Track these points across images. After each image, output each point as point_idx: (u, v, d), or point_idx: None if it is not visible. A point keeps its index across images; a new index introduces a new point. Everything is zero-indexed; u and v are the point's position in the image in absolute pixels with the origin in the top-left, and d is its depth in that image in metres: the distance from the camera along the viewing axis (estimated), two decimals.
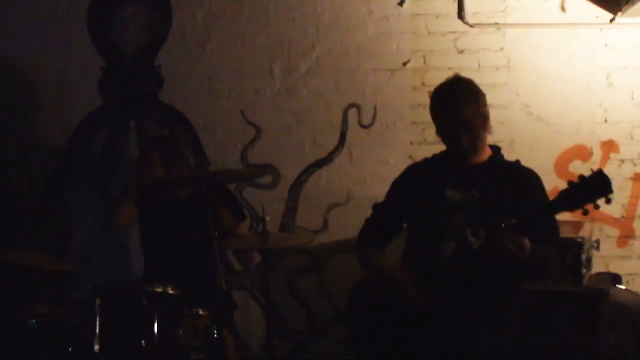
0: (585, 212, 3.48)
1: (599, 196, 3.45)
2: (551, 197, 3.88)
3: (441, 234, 3.83)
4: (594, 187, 3.46)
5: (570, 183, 3.51)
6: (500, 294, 3.80)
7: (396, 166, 5.40)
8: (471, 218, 3.80)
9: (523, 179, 3.93)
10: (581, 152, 5.47)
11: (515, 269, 3.71)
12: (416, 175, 4.11)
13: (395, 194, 4.15)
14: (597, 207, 3.48)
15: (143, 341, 4.02)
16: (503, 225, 3.57)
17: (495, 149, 4.03)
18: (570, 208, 3.54)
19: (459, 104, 3.85)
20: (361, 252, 4.17)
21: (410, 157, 5.50)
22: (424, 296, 3.72)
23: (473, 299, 3.70)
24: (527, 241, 3.58)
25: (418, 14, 5.59)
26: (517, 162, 4.03)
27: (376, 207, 4.23)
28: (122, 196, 5.09)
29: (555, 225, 3.88)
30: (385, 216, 4.15)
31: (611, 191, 3.46)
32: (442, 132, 3.96)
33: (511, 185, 3.86)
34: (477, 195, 3.84)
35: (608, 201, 3.46)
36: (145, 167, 4.92)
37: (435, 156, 4.14)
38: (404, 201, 4.05)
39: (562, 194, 3.53)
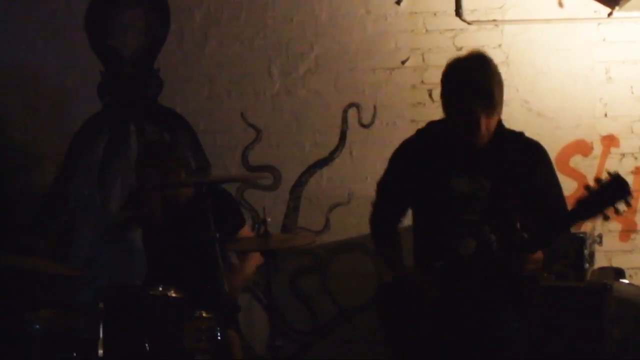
0: (606, 218, 3.36)
1: (619, 200, 3.31)
2: None
3: (456, 231, 3.65)
4: (613, 191, 3.32)
5: (587, 189, 3.35)
6: (522, 285, 3.72)
7: None
8: (486, 213, 3.61)
9: (530, 154, 3.68)
10: (582, 147, 5.47)
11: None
12: (415, 154, 3.79)
13: (396, 174, 3.86)
14: (617, 211, 3.33)
15: (147, 345, 4.02)
16: (516, 243, 3.45)
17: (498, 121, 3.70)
18: (592, 216, 3.39)
19: (486, 89, 3.49)
20: (378, 240, 3.98)
21: None
22: (445, 300, 3.60)
23: (498, 292, 3.64)
24: (540, 255, 3.48)
25: (416, 13, 5.59)
26: (522, 135, 3.76)
27: (380, 186, 3.97)
28: (120, 218, 5.07)
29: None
30: (391, 196, 3.89)
31: (630, 194, 3.32)
32: (457, 115, 3.57)
33: (519, 165, 3.63)
34: (487, 186, 3.62)
35: (628, 205, 3.32)
36: (141, 181, 4.90)
37: (430, 128, 3.82)
38: (407, 183, 3.77)
39: (582, 202, 3.37)
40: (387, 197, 3.95)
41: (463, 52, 5.35)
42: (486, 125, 3.54)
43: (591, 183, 3.41)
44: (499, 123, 3.68)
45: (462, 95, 3.53)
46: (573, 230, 4.64)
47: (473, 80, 3.51)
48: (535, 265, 3.49)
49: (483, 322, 3.59)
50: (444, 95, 3.64)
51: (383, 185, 3.97)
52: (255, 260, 4.86)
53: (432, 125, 3.83)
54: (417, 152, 3.80)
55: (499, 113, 3.60)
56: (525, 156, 3.67)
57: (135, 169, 5.02)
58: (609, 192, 3.34)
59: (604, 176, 3.38)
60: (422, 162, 3.74)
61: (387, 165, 3.91)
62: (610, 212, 3.36)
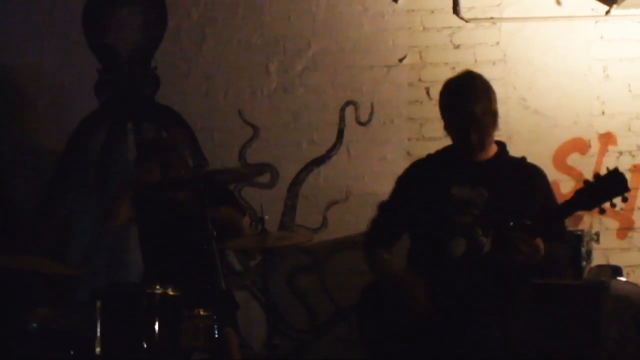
0: (602, 211, 3.44)
1: (615, 195, 3.40)
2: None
3: (449, 232, 3.78)
4: (610, 185, 3.39)
5: (586, 182, 3.45)
6: (509, 291, 3.76)
7: (394, 163, 5.43)
8: (481, 217, 3.75)
9: (530, 176, 3.89)
10: (579, 145, 5.46)
11: (526, 268, 3.65)
12: (421, 172, 4.05)
13: (401, 192, 4.08)
14: (613, 205, 3.42)
15: (144, 343, 4.02)
16: (514, 224, 3.52)
17: (501, 145, 3.98)
18: (588, 207, 3.50)
19: (470, 100, 3.79)
20: (368, 253, 4.12)
21: (408, 153, 5.51)
22: (432, 302, 3.67)
23: (482, 297, 3.66)
24: (540, 242, 3.54)
25: (413, 10, 5.59)
26: (523, 159, 3.98)
27: (382, 206, 4.15)
28: (118, 196, 5.07)
29: (564, 224, 3.84)
30: (392, 215, 4.07)
31: (628, 189, 3.40)
32: (450, 128, 3.90)
33: (518, 183, 3.82)
34: (485, 194, 3.79)
35: (625, 200, 3.41)
36: (141, 173, 4.91)
37: (439, 152, 4.07)
38: (410, 199, 3.98)
39: (579, 194, 3.47)
40: (387, 215, 4.08)
41: (460, 50, 5.45)
42: (476, 135, 3.80)
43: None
44: (504, 149, 3.94)
45: (449, 114, 3.89)
46: (570, 227, 4.70)
47: (457, 103, 3.84)
48: (535, 251, 3.52)
49: (462, 329, 3.61)
50: (444, 121, 3.95)
51: (386, 204, 4.12)
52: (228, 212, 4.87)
53: (441, 149, 4.05)
54: (423, 172, 4.00)
55: (493, 122, 3.85)
56: (524, 178, 3.85)
57: (135, 165, 5.03)
58: (607, 186, 3.41)
59: (603, 172, 3.44)
60: (426, 178, 3.95)
61: (393, 187, 4.10)
62: (606, 205, 3.41)
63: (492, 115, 3.84)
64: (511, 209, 3.66)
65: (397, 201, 4.08)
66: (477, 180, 3.82)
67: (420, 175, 4.02)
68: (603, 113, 5.49)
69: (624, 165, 5.45)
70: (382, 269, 4.00)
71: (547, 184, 3.94)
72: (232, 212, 4.92)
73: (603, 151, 5.46)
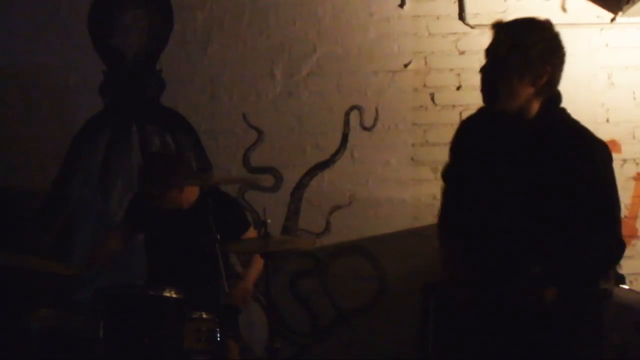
0: None
1: None
2: None
3: (489, 234, 3.39)
4: None
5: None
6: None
7: (398, 168, 5.43)
8: (517, 224, 3.33)
9: (581, 158, 3.29)
10: None
11: None
12: (472, 135, 3.52)
13: (457, 161, 3.59)
14: None
15: (146, 345, 4.02)
16: (524, 279, 3.26)
17: (548, 98, 3.41)
18: None
19: (503, 32, 3.32)
20: (442, 242, 3.65)
21: (412, 158, 5.51)
22: (471, 304, 3.44)
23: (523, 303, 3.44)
24: (551, 292, 3.31)
25: (419, 16, 5.60)
26: (580, 131, 3.37)
27: (446, 177, 3.66)
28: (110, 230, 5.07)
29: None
30: (456, 178, 3.58)
31: None
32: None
33: (565, 172, 3.26)
34: (524, 189, 3.29)
35: None
36: (145, 188, 4.86)
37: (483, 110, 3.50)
38: (464, 175, 3.50)
39: None
40: (452, 181, 3.65)
41: (465, 56, 5.43)
42: (492, 75, 3.30)
43: None
44: (549, 108, 3.46)
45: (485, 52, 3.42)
46: None
47: (495, 41, 3.35)
48: (541, 301, 3.35)
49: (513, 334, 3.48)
50: None
51: (447, 170, 3.69)
52: (260, 265, 4.85)
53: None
54: (473, 134, 3.55)
55: (519, 69, 3.34)
56: (575, 164, 3.29)
57: (137, 180, 5.02)
58: None
59: None
60: (473, 148, 3.49)
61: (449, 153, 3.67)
62: None
63: (524, 61, 3.31)
64: (553, 216, 3.25)
65: (457, 171, 3.57)
66: (516, 164, 3.30)
67: (471, 139, 3.50)
68: (607, 121, 5.49)
69: (628, 173, 5.46)
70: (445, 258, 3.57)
71: (601, 167, 3.35)
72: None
73: None
